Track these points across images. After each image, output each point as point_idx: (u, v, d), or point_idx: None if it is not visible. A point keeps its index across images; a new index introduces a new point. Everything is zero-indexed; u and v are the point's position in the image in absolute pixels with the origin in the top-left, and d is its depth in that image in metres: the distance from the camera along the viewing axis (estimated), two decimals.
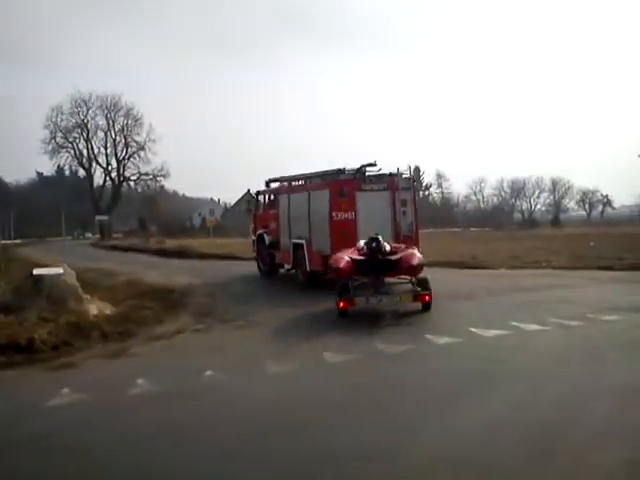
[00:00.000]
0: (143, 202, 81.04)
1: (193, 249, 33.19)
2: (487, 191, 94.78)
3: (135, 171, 76.97)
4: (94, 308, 11.72)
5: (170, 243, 42.26)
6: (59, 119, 73.07)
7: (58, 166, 79.94)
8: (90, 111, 74.61)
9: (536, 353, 8.12)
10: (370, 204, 14.64)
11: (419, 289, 11.37)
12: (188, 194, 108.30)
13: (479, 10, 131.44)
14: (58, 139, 73.59)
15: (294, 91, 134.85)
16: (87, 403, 6.44)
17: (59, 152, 74.55)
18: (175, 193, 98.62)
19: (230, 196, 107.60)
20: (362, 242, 12.20)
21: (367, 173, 15.08)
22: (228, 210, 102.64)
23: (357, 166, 15.02)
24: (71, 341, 9.42)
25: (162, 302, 13.29)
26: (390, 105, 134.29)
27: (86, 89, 75.42)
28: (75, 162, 77.61)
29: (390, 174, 15.04)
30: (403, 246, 12.42)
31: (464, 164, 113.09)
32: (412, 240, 13.91)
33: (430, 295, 11.26)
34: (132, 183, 79.47)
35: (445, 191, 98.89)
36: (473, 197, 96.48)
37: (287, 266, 17.41)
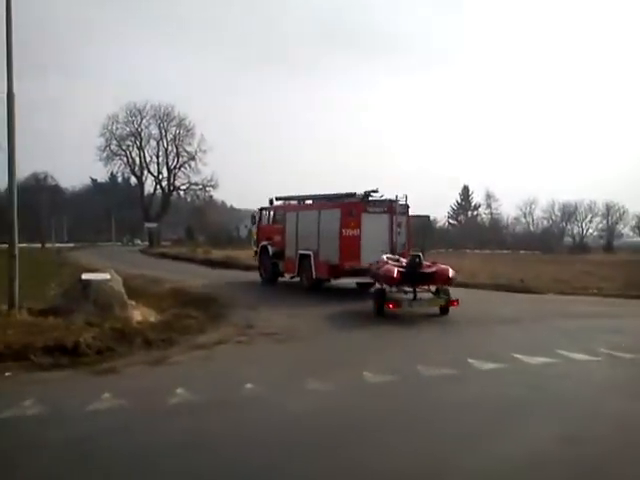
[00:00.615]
0: (192, 211, 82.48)
1: (239, 260, 33.46)
2: (537, 213, 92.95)
3: (185, 181, 78.50)
4: (138, 315, 11.91)
5: (217, 253, 42.77)
6: (114, 127, 75.28)
7: (111, 173, 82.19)
8: (144, 120, 76.60)
9: (584, 384, 7.84)
10: (372, 224, 17.17)
11: (446, 297, 13.51)
12: (236, 205, 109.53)
13: (530, 28, 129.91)
14: (113, 147, 75.78)
15: (343, 105, 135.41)
16: (126, 409, 6.49)
17: (113, 159, 76.73)
18: (223, 204, 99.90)
19: None
20: (384, 256, 14.89)
21: (371, 198, 17.60)
22: None
23: (363, 191, 17.67)
24: (114, 346, 9.55)
25: (205, 311, 13.40)
26: (439, 123, 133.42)
27: (141, 99, 77.25)
28: (128, 170, 79.67)
29: (390, 200, 17.51)
30: (429, 262, 14.24)
31: (514, 185, 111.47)
32: (405, 256, 15.63)
33: (457, 301, 13.41)
34: (182, 192, 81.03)
35: (494, 212, 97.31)
36: (523, 219, 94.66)
37: (288, 275, 19.84)
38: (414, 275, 13.40)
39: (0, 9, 11.99)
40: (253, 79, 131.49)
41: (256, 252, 22.05)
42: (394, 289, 13.70)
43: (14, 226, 12.15)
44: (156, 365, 8.85)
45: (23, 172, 64.94)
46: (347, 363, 8.89)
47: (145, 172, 78.85)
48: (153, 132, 77.29)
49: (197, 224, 77.76)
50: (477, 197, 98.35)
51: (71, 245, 66.33)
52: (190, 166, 77.38)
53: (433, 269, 13.61)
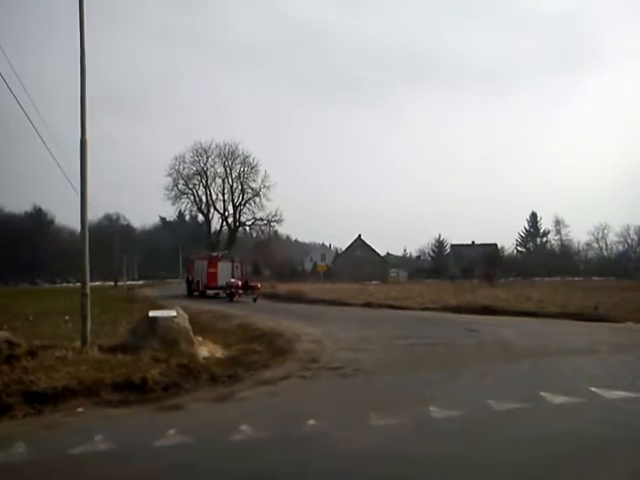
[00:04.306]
0: (257, 246, 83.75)
1: (304, 294, 33.69)
2: (611, 238, 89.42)
3: (250, 216, 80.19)
4: (205, 350, 12.04)
5: (282, 287, 43.35)
6: (181, 167, 77.99)
7: (179, 211, 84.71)
8: (209, 159, 79.17)
9: None
10: (223, 266, 39.52)
11: (256, 295, 34.77)
12: (300, 239, 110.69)
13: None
14: (180, 186, 78.36)
15: (413, 136, 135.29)
16: (190, 446, 6.49)
17: (180, 198, 79.29)
18: (288, 238, 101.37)
19: (341, 242, 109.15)
20: (232, 280, 36.39)
21: (224, 255, 42.62)
22: (339, 255, 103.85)
23: (224, 251, 49.58)
24: (181, 383, 9.64)
25: (270, 346, 13.44)
26: (504, 149, 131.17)
27: (205, 139, 79.68)
28: (195, 208, 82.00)
29: (232, 256, 43.13)
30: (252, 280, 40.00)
31: (585, 210, 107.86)
32: (251, 281, 37.97)
33: (258, 298, 34.89)
34: (247, 228, 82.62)
35: (564, 238, 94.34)
36: (595, 244, 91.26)
37: (195, 292, 41.55)
38: (246, 286, 35.12)
39: (75, 59, 12.70)
40: (316, 113, 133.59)
41: (185, 281, 46.95)
42: (239, 291, 34.87)
43: (85, 267, 12.61)
44: (221, 401, 8.86)
45: (97, 213, 67.84)
46: (413, 397, 8.66)
47: (211, 209, 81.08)
48: (218, 170, 79.71)
49: (262, 259, 78.80)
50: (546, 223, 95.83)
51: (141, 282, 68.30)
52: (255, 202, 79.02)
53: (254, 284, 35.93)
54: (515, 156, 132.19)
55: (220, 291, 37.80)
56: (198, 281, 40.91)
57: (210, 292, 39.34)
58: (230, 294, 34.52)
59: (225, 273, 38.48)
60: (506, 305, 23.88)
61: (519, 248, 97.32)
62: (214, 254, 42.41)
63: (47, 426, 7.65)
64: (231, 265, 39.73)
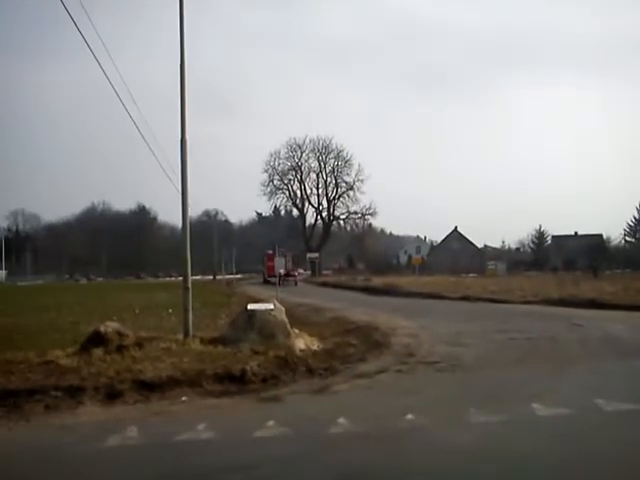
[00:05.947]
0: (351, 240, 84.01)
1: (399, 287, 33.43)
2: None
3: (344, 210, 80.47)
4: (301, 343, 12.17)
5: (376, 281, 43.30)
6: (276, 163, 79.50)
7: (275, 206, 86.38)
8: (303, 154, 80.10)
9: None
10: (278, 261, 39.36)
11: (296, 281, 57.77)
12: (395, 232, 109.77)
13: None
14: (275, 182, 79.92)
15: (511, 126, 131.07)
16: (289, 438, 6.58)
17: (276, 194, 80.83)
18: (382, 231, 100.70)
19: (437, 234, 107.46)
20: (281, 270, 43.21)
21: (278, 251, 40.56)
22: (435, 248, 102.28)
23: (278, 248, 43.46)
24: (278, 374, 9.81)
25: (365, 340, 13.41)
26: (607, 134, 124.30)
27: (299, 135, 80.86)
28: (290, 203, 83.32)
29: (284, 252, 50.68)
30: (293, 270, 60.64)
31: None
32: (291, 271, 58.41)
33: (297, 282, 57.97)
34: (341, 222, 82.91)
35: None
36: None
37: (265, 280, 58.97)
38: (288, 274, 53.83)
39: (175, 62, 13.24)
40: (411, 106, 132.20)
41: (261, 273, 63.30)
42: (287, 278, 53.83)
43: (187, 261, 13.10)
44: (318, 394, 8.93)
45: (196, 210, 70.48)
46: (514, 394, 8.36)
47: (306, 204, 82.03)
48: (312, 165, 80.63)
49: (357, 252, 78.97)
50: None
51: (239, 276, 70.21)
52: (349, 196, 79.29)
53: (293, 273, 58.31)
54: (620, 142, 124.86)
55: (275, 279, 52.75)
56: (263, 272, 59.06)
57: (270, 279, 51.15)
58: (278, 281, 49.65)
59: (279, 265, 51.03)
60: (614, 298, 22.61)
61: (628, 238, 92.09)
62: (270, 252, 53.24)
63: (155, 413, 8.04)
64: (284, 259, 53.25)
